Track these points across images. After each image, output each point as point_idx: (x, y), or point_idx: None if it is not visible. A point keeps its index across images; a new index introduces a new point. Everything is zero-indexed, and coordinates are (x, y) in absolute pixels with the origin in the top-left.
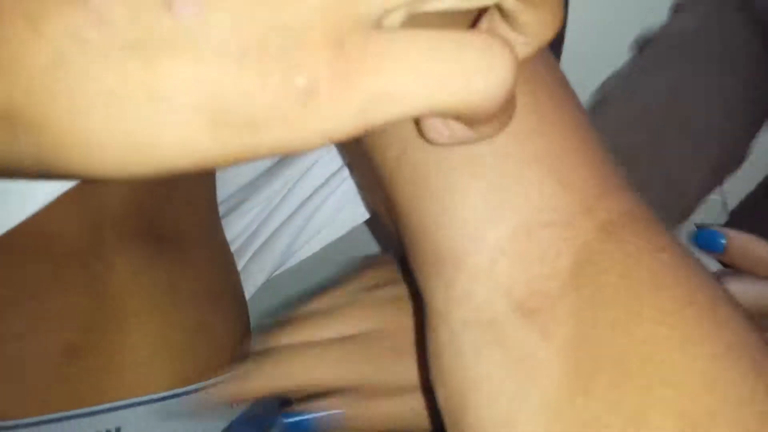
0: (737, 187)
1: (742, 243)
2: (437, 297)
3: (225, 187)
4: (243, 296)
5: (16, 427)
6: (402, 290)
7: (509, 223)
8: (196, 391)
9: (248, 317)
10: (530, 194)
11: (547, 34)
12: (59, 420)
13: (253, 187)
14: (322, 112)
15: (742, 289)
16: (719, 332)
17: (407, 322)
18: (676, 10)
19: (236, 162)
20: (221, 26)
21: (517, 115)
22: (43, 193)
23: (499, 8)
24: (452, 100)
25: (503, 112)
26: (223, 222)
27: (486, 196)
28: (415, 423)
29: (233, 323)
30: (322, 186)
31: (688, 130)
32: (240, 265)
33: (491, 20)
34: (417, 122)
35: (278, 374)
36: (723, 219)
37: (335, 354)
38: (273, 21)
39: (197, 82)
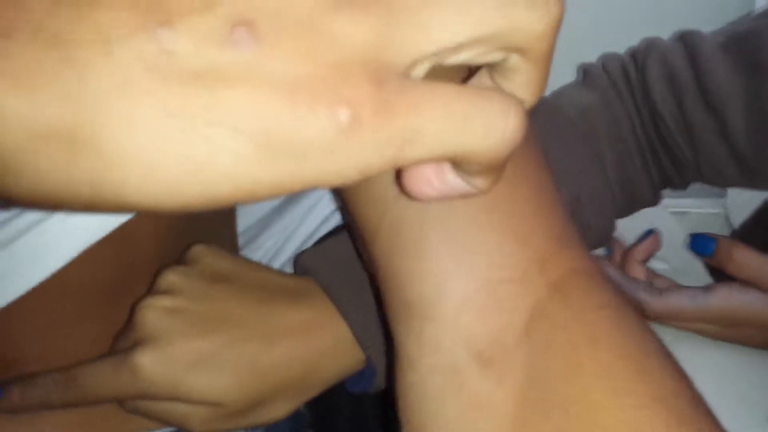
0: (740, 200)
1: (729, 247)
2: (407, 343)
3: (241, 221)
4: None
5: None
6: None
7: (473, 279)
8: None
9: None
10: (492, 254)
11: (536, 95)
12: None
13: (265, 222)
14: (361, 144)
15: (727, 295)
16: (647, 384)
17: None
18: (583, 75)
19: (276, 192)
20: (276, 62)
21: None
22: (75, 244)
23: (497, 66)
24: (473, 145)
25: (503, 166)
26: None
27: (453, 255)
28: None
29: None
30: (324, 222)
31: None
32: None
33: (482, 78)
34: (399, 183)
35: None
36: (726, 233)
37: None
38: (323, 59)
39: (252, 111)
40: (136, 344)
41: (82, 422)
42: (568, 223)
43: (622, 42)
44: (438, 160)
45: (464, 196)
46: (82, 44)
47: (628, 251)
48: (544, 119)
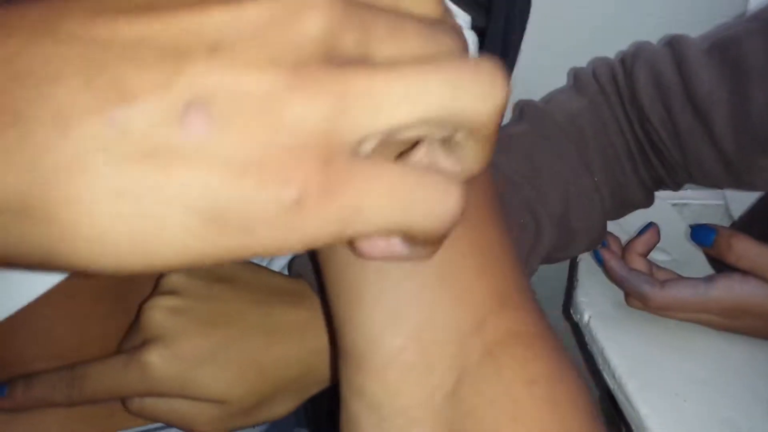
0: (740, 192)
1: (728, 237)
2: (343, 384)
3: None
4: None
5: None
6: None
7: (403, 336)
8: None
9: None
10: (426, 312)
11: (480, 167)
12: None
13: None
14: (306, 221)
15: (728, 286)
16: None
17: None
18: (573, 80)
19: (222, 260)
20: (227, 143)
21: None
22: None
23: (443, 140)
24: (414, 223)
25: (443, 239)
26: None
27: (387, 308)
28: None
29: None
30: None
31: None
32: None
33: (431, 149)
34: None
35: None
36: (726, 224)
37: None
38: (274, 141)
39: (202, 190)
40: (144, 343)
41: (85, 418)
42: (516, 277)
43: (613, 45)
44: (381, 235)
45: (407, 260)
46: (38, 123)
47: (628, 244)
48: (533, 123)
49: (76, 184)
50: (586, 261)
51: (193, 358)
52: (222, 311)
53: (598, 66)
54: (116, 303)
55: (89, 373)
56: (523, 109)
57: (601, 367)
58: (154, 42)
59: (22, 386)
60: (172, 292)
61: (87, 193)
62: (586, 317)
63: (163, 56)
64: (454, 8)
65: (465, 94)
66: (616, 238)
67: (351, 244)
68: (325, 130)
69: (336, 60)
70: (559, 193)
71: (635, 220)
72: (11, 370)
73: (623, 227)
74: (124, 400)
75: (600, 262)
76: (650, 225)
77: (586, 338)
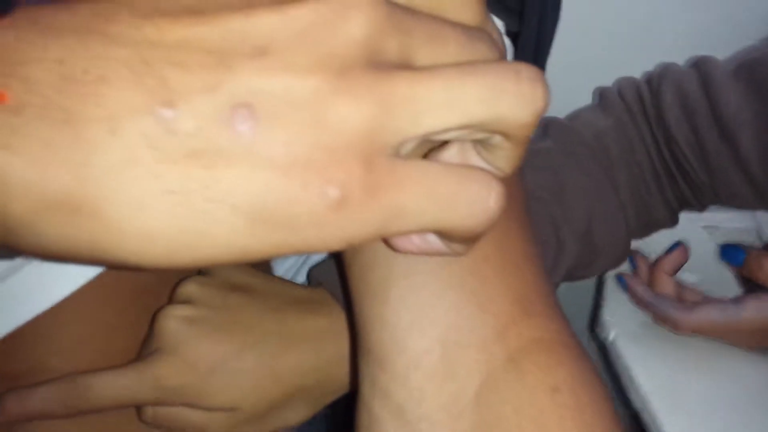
0: None
1: (759, 257)
2: (365, 385)
3: None
4: None
5: None
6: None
7: (428, 338)
8: None
9: None
10: (450, 315)
11: (515, 168)
12: None
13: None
14: (349, 220)
15: (758, 307)
16: None
17: None
18: (599, 99)
19: (265, 257)
20: (273, 142)
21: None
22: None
23: (480, 139)
24: (454, 222)
25: (481, 236)
26: None
27: (413, 311)
28: None
29: None
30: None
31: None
32: None
33: (463, 148)
34: None
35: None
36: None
37: None
38: (318, 142)
39: (248, 189)
40: (156, 352)
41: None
42: (539, 284)
43: (639, 65)
44: (421, 232)
45: (442, 255)
46: (89, 122)
47: (656, 263)
48: (558, 140)
49: (126, 181)
50: (612, 280)
51: (204, 367)
52: (237, 319)
53: (624, 86)
54: (141, 315)
55: (98, 382)
56: (547, 125)
57: (626, 386)
58: (201, 44)
59: (15, 397)
60: (186, 302)
61: (136, 191)
62: (611, 336)
63: (210, 58)
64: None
65: (505, 99)
66: (644, 257)
67: (385, 238)
68: (368, 132)
69: (379, 63)
70: (583, 210)
71: (665, 240)
72: (33, 380)
73: (651, 246)
74: (137, 409)
75: (624, 287)
76: (678, 244)
77: (612, 357)
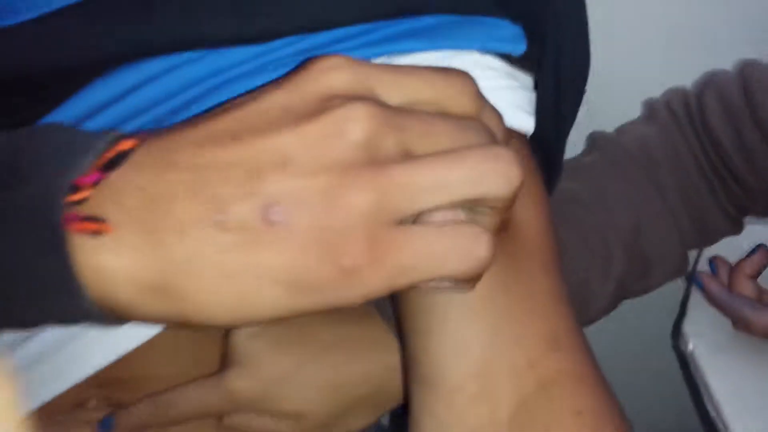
0: None
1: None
2: (414, 404)
3: None
4: None
5: None
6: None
7: (468, 368)
8: None
9: None
10: (487, 349)
11: (497, 226)
12: None
13: None
14: (361, 283)
15: None
16: None
17: None
18: (646, 111)
19: (303, 313)
20: (296, 229)
21: (476, 293)
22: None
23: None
24: (451, 271)
25: (480, 278)
26: None
27: (454, 344)
28: None
29: None
30: None
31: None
32: None
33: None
34: None
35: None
36: None
37: None
38: (330, 225)
39: (282, 264)
40: (228, 366)
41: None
42: (566, 321)
43: (689, 77)
44: (424, 284)
45: (454, 292)
46: (165, 231)
47: (736, 266)
48: (603, 151)
49: (196, 270)
50: (696, 293)
51: (271, 378)
52: (296, 333)
53: (670, 95)
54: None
55: (181, 397)
56: (595, 139)
57: (703, 395)
58: (240, 161)
59: (125, 416)
60: None
61: (204, 276)
62: (691, 346)
63: (247, 172)
64: (517, 73)
65: (486, 180)
66: (724, 261)
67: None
68: (370, 213)
69: (378, 158)
70: (628, 217)
71: (744, 245)
72: (136, 386)
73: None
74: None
75: (700, 286)
76: (760, 246)
77: (691, 368)
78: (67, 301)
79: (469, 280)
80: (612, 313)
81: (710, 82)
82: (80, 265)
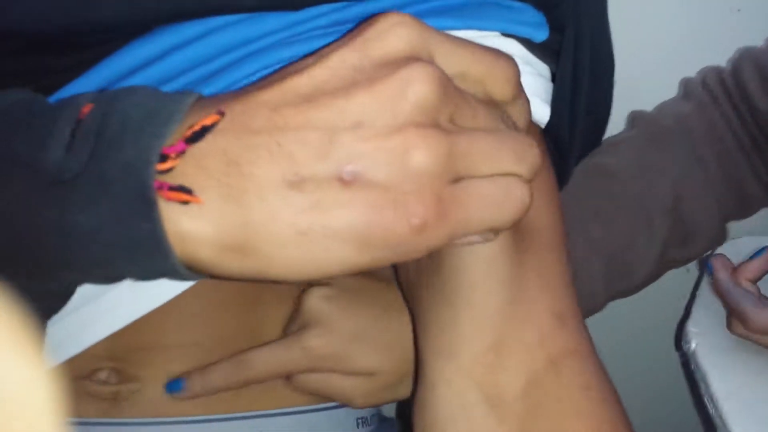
0: None
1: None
2: (432, 374)
3: None
4: None
5: (198, 422)
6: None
7: (488, 342)
8: (325, 409)
9: None
10: (502, 325)
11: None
12: (224, 420)
13: None
14: (428, 237)
15: None
16: None
17: None
18: (683, 89)
19: (371, 268)
20: (369, 190)
21: (500, 265)
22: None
23: None
24: (504, 219)
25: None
26: None
27: (480, 316)
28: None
29: None
30: None
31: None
32: None
33: None
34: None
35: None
36: None
37: None
38: (402, 185)
39: (354, 224)
40: (303, 327)
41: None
42: (572, 304)
43: (726, 56)
44: (481, 233)
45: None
46: (245, 193)
47: (738, 267)
48: (641, 128)
49: (273, 230)
50: (702, 296)
51: (344, 336)
52: (364, 295)
53: (706, 72)
54: (254, 294)
55: (256, 357)
56: (634, 118)
57: (703, 393)
58: (315, 123)
59: (198, 378)
60: (324, 283)
61: (280, 235)
62: (693, 346)
63: (322, 134)
64: (535, 60)
65: (524, 161)
66: (727, 260)
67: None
68: (438, 174)
69: (440, 121)
70: (668, 186)
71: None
72: (145, 360)
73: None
74: (288, 377)
75: (710, 271)
76: (764, 250)
77: (692, 367)
78: (155, 262)
79: (497, 231)
80: (616, 314)
81: (746, 54)
82: (167, 230)
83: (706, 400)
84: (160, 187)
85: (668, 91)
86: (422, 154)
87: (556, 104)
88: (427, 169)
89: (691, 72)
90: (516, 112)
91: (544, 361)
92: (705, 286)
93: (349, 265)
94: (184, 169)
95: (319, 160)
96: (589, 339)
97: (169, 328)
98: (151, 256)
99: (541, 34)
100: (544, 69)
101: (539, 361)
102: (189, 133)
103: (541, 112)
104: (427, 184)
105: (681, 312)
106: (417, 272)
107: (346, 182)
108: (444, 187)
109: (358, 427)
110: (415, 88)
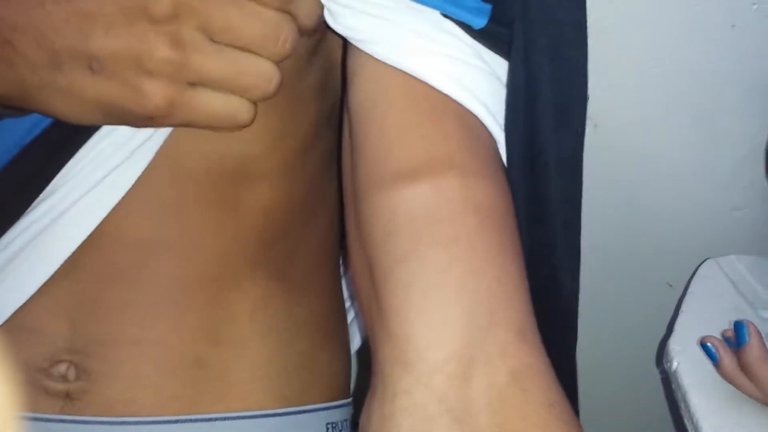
0: None
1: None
2: (389, 381)
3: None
4: (348, 340)
5: (154, 423)
6: None
7: (447, 351)
8: (295, 413)
9: (350, 358)
10: (464, 334)
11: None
12: (182, 422)
13: None
14: (158, 123)
15: None
16: None
17: None
18: None
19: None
20: (109, 80)
21: (454, 274)
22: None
23: None
24: (217, 129)
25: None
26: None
27: (436, 325)
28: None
29: (337, 359)
30: None
31: None
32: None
33: None
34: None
35: None
36: None
37: None
38: (135, 82)
39: (97, 98)
40: None
41: None
42: (530, 316)
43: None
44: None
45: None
46: (19, 65)
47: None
48: None
49: (43, 93)
50: (686, 313)
51: None
52: None
53: None
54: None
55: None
56: None
57: (683, 413)
58: (71, 19)
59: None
60: None
61: (47, 95)
62: (675, 364)
63: (77, 30)
64: (487, 52)
65: (250, 86)
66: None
67: None
68: (168, 79)
69: (182, 37)
70: None
71: None
72: (107, 354)
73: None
74: None
75: (714, 359)
76: (742, 329)
77: (673, 386)
78: None
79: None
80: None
81: None
82: None
83: (686, 420)
84: None
85: (663, 107)
86: (154, 62)
87: (509, 112)
88: (160, 75)
89: (686, 88)
90: (298, 12)
91: (507, 375)
92: (688, 303)
93: (98, 121)
94: None
95: (73, 51)
96: (546, 355)
97: (130, 323)
98: None
99: (479, 21)
100: (500, 65)
101: (502, 374)
102: None
103: (485, 117)
104: (160, 86)
105: (663, 329)
106: (369, 285)
107: (94, 71)
108: (178, 90)
109: (327, 431)
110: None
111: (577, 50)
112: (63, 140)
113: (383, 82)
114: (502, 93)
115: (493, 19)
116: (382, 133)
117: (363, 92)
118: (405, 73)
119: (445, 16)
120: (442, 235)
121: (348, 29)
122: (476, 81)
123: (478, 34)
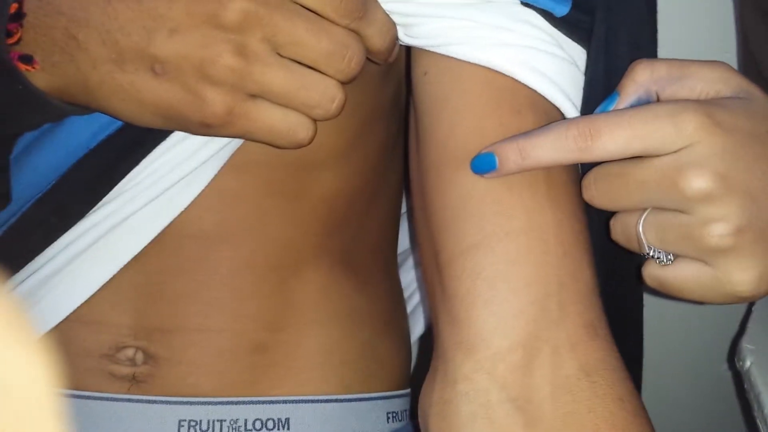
0: None
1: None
2: (451, 366)
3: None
4: (408, 330)
5: (216, 403)
6: None
7: (512, 340)
8: (356, 399)
9: (410, 348)
10: (531, 325)
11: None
12: (244, 403)
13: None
14: (215, 132)
15: None
16: None
17: None
18: None
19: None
20: (170, 84)
21: (523, 265)
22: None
23: None
24: (276, 146)
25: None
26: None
27: (502, 312)
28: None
29: (398, 349)
30: None
31: None
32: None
33: None
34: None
35: None
36: None
37: None
38: (197, 89)
39: (157, 101)
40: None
41: None
42: (600, 312)
43: None
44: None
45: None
46: (82, 61)
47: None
48: None
49: (103, 89)
50: (758, 311)
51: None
52: None
53: None
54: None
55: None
56: None
57: (756, 415)
58: (138, 21)
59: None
60: None
61: (107, 93)
62: (747, 363)
63: (142, 32)
64: (566, 40)
65: (314, 104)
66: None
67: None
68: (230, 89)
69: (248, 46)
70: None
71: None
72: (171, 341)
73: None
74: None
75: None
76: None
77: (746, 385)
78: (45, 108)
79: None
80: (666, 328)
81: None
82: (39, 86)
83: (758, 420)
84: (15, 57)
85: None
86: (218, 69)
87: (587, 101)
88: (222, 83)
89: None
90: (368, 31)
91: (576, 368)
92: (762, 301)
93: (155, 124)
94: (35, 38)
95: (137, 51)
96: (616, 350)
97: (193, 313)
98: (41, 105)
99: (561, 8)
100: (578, 54)
101: (570, 367)
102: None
103: (566, 107)
104: (221, 94)
105: (735, 327)
106: (434, 270)
107: (156, 73)
108: (238, 100)
109: (388, 421)
110: (234, 5)
111: (651, 43)
112: (134, 143)
113: (458, 75)
114: (581, 82)
115: (574, 6)
116: (456, 122)
117: (436, 85)
118: (481, 66)
119: (525, 4)
120: (511, 226)
121: (424, 38)
122: (557, 70)
123: (559, 22)
